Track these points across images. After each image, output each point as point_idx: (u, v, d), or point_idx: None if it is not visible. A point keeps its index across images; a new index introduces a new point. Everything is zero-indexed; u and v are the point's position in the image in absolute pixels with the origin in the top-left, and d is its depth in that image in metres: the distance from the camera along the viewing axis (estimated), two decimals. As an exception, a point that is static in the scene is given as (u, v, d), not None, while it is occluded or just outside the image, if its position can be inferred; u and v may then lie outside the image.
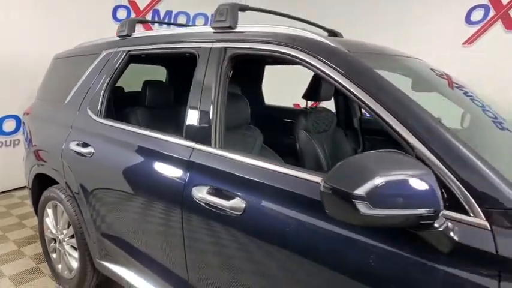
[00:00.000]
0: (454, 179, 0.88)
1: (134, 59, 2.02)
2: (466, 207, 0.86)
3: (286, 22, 1.66)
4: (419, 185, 0.78)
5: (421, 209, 0.78)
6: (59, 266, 2.39)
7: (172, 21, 5.07)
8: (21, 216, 3.48)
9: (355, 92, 1.09)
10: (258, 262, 1.21)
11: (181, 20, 5.28)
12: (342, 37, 2.45)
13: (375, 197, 0.76)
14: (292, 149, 2.19)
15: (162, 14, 5.20)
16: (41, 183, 2.43)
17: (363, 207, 0.77)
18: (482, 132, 1.47)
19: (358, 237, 0.96)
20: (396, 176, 0.78)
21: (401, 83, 1.28)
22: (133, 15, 4.99)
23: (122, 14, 4.91)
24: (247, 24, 1.59)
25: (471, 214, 0.85)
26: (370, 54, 1.38)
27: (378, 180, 0.77)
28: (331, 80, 1.15)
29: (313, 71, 1.21)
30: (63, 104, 2.29)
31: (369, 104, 1.05)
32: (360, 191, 0.77)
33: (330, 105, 2.64)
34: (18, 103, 3.72)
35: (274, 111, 2.89)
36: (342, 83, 1.12)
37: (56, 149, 2.15)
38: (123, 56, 2.01)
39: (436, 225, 0.82)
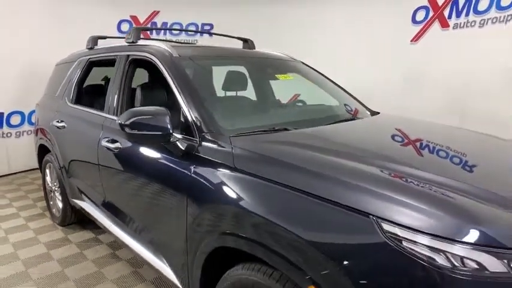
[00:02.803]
0: (191, 120, 1.71)
1: (93, 64, 2.99)
2: (193, 133, 1.69)
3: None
4: (159, 121, 1.64)
5: (157, 132, 1.64)
6: (53, 210, 3.44)
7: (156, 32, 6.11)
8: (41, 184, 4.62)
9: (175, 88, 1.89)
10: (128, 172, 2.11)
11: (175, 27, 6.27)
12: (253, 44, 3.25)
13: (132, 125, 1.63)
14: None
15: (159, 25, 6.23)
16: (42, 152, 3.49)
17: (127, 130, 1.64)
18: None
19: (149, 151, 1.84)
20: (146, 116, 1.64)
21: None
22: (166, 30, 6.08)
23: (125, 26, 6.01)
24: (147, 40, 2.49)
25: (194, 136, 1.68)
26: (195, 56, 2.21)
27: (135, 118, 1.64)
28: (164, 74, 2.00)
29: (160, 70, 2.07)
30: (55, 96, 3.33)
31: (173, 87, 1.89)
32: (127, 122, 1.64)
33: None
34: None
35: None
36: (167, 76, 1.97)
37: (48, 125, 3.19)
38: (86, 62, 2.99)
39: (172, 140, 1.67)
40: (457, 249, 0.95)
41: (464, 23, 4.38)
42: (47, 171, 3.46)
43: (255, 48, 3.20)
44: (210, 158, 1.56)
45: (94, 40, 3.08)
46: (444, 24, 4.63)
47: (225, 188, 1.45)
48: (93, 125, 2.47)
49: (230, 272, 1.45)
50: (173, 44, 2.26)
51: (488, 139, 1.92)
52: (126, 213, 2.25)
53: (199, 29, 6.40)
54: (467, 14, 4.35)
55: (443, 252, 0.96)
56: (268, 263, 1.28)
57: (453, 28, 4.53)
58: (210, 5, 6.23)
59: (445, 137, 1.89)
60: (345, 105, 2.56)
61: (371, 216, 1.05)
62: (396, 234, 1.00)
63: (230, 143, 1.54)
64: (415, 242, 0.98)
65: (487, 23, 4.11)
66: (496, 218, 1.04)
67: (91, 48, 3.06)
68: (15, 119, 5.07)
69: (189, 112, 1.73)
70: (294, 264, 1.17)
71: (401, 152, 1.61)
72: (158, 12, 6.17)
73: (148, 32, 6.13)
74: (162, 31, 6.25)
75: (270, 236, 1.25)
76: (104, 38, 3.17)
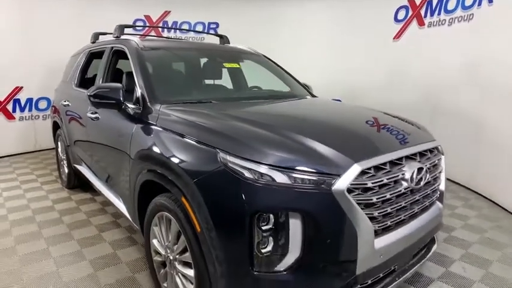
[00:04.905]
0: (140, 94, 2.29)
1: (92, 55, 3.67)
2: (140, 103, 2.26)
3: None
4: (114, 93, 2.24)
5: (112, 101, 2.24)
6: (63, 176, 4.18)
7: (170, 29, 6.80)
8: (60, 159, 5.44)
9: (134, 70, 2.48)
10: (100, 134, 2.73)
11: (184, 27, 6.93)
12: (228, 40, 3.80)
13: (93, 96, 2.25)
14: None
15: (170, 24, 6.92)
16: (55, 128, 4.24)
17: (92, 99, 2.26)
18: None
19: (115, 114, 2.43)
20: (104, 88, 2.25)
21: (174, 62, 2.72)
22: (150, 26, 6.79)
23: (139, 24, 6.74)
24: (129, 34, 3.11)
25: (140, 105, 2.26)
26: (157, 48, 2.78)
27: (97, 90, 2.25)
28: (130, 61, 2.60)
29: (130, 60, 2.66)
30: (66, 81, 4.06)
31: (133, 71, 2.48)
32: (91, 93, 2.25)
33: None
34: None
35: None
36: (132, 64, 2.56)
37: (58, 104, 3.92)
38: (88, 54, 3.68)
39: (123, 108, 2.27)
40: (259, 168, 1.46)
41: (437, 21, 4.68)
42: (59, 143, 4.21)
43: (229, 43, 3.76)
44: (145, 120, 2.15)
45: (96, 35, 3.76)
46: (421, 23, 4.95)
47: (149, 139, 2.02)
48: (84, 102, 3.12)
49: (152, 200, 2.01)
50: (145, 38, 2.87)
51: (363, 111, 2.43)
52: (101, 167, 2.90)
53: (206, 28, 7.03)
54: (439, 13, 4.65)
55: (251, 170, 1.47)
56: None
57: (428, 26, 4.84)
58: (216, 5, 6.84)
59: (330, 111, 2.42)
60: (291, 89, 3.08)
61: (216, 149, 1.58)
62: (226, 159, 1.53)
63: (159, 110, 2.11)
64: (234, 163, 1.50)
65: (454, 21, 4.40)
66: (288, 150, 1.54)
67: (93, 42, 3.75)
68: (42, 104, 5.93)
69: (139, 88, 2.32)
70: (175, 185, 1.72)
71: (280, 116, 2.14)
72: (169, 12, 6.85)
73: (160, 30, 6.87)
74: (172, 30, 6.94)
75: (166, 169, 1.80)
76: (104, 34, 3.83)
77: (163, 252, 1.98)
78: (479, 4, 3.98)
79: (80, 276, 2.34)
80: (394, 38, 5.38)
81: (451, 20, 4.46)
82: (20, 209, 3.48)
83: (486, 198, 3.91)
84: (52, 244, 2.77)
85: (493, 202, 3.79)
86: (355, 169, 1.51)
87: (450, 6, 4.46)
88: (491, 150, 3.78)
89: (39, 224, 3.13)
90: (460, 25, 4.31)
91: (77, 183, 3.97)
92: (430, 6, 4.78)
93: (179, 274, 1.85)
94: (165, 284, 2.01)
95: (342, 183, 1.46)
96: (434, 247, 2.15)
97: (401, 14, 5.26)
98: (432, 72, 4.71)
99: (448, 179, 4.47)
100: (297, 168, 1.47)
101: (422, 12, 4.91)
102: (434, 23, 4.72)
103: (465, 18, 4.23)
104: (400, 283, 1.85)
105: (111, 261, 2.53)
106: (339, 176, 1.47)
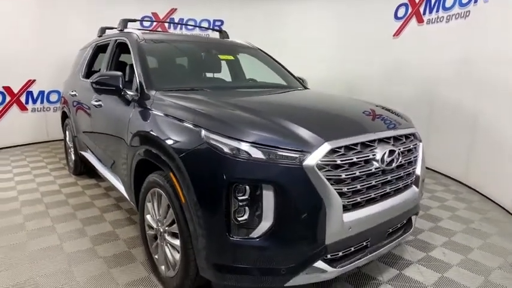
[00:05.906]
0: (139, 82, 2.47)
1: (98, 48, 3.87)
2: (138, 90, 2.45)
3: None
4: (114, 80, 2.42)
5: (112, 87, 2.42)
6: (70, 163, 4.40)
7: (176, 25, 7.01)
8: (69, 149, 5.68)
9: (133, 60, 2.67)
10: (103, 119, 2.92)
11: (190, 23, 7.12)
12: (227, 34, 3.96)
13: (95, 83, 2.43)
14: None
15: (176, 20, 7.11)
16: (64, 118, 4.47)
17: (94, 86, 2.45)
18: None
19: (116, 101, 2.61)
20: (106, 76, 2.43)
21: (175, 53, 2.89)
22: (155, 22, 7.00)
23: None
24: (132, 28, 3.30)
25: (138, 92, 2.43)
26: (156, 40, 2.96)
27: (99, 78, 2.43)
28: (131, 53, 2.77)
29: (130, 49, 2.84)
30: (74, 73, 4.28)
31: (133, 61, 2.65)
32: (94, 80, 2.44)
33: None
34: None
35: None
36: (132, 55, 2.74)
37: (67, 95, 4.14)
38: (94, 47, 3.89)
39: (123, 94, 2.45)
40: (237, 144, 1.62)
41: (435, 18, 4.75)
42: (67, 132, 4.44)
43: (228, 38, 3.92)
44: (142, 104, 2.32)
45: (102, 30, 3.96)
46: (420, 20, 5.03)
47: (144, 121, 2.19)
48: (90, 91, 3.32)
49: (146, 178, 2.18)
50: (145, 31, 3.05)
51: (346, 100, 2.59)
52: (103, 151, 3.09)
53: (212, 25, 7.20)
54: (437, 11, 4.72)
55: (229, 146, 1.62)
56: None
57: (427, 23, 4.91)
58: (221, 3, 7.01)
59: (315, 99, 2.58)
60: (284, 81, 3.23)
61: (200, 128, 1.74)
62: (208, 137, 1.69)
63: (154, 95, 2.29)
64: (215, 140, 1.66)
65: (451, 18, 4.47)
66: (265, 129, 1.69)
67: (100, 36, 3.95)
68: (53, 97, 6.19)
69: (138, 76, 2.50)
70: (164, 161, 1.88)
71: (264, 102, 2.29)
72: (176, 9, 7.05)
73: (166, 26, 7.08)
74: (179, 27, 7.15)
75: (158, 147, 1.97)
76: (111, 28, 4.03)
77: (155, 226, 2.15)
78: (475, 1, 4.05)
79: (81, 249, 2.53)
80: (394, 35, 5.46)
81: (448, 17, 4.53)
82: (29, 192, 3.70)
83: (478, 192, 3.98)
84: (57, 222, 2.98)
85: (485, 196, 3.86)
86: (325, 147, 1.64)
87: (448, 4, 4.53)
88: (485, 144, 3.85)
89: (46, 205, 3.35)
90: (457, 22, 4.38)
91: (83, 170, 4.18)
92: (429, 3, 4.85)
93: (168, 245, 2.02)
94: (156, 256, 2.18)
95: (312, 159, 1.60)
96: (411, 230, 2.27)
97: (401, 12, 5.33)
98: (431, 68, 4.78)
99: (441, 174, 4.56)
100: (272, 145, 1.62)
101: (422, 9, 4.99)
102: (433, 20, 4.79)
103: (462, 15, 4.30)
104: (372, 259, 1.98)
105: (110, 238, 2.71)
106: (309, 153, 1.62)
